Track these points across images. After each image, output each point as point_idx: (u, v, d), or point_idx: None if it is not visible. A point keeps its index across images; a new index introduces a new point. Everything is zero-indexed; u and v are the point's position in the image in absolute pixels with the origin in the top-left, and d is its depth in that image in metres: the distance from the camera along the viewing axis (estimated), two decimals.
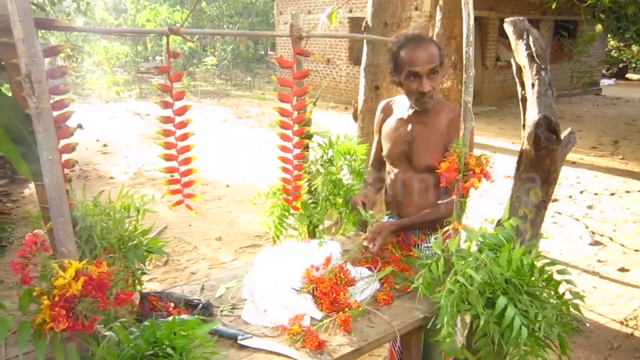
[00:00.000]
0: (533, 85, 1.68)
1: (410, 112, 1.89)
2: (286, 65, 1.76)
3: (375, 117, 2.08)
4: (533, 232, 1.69)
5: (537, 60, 1.69)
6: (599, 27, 8.10)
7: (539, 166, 1.63)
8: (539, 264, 1.39)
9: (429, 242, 1.95)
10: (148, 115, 10.74)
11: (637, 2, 7.83)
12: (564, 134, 1.70)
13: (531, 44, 1.72)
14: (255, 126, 9.97)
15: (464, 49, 1.27)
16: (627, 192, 5.87)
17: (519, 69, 1.77)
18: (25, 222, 4.89)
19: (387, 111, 2.02)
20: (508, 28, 1.78)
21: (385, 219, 2.00)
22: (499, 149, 7.79)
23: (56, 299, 0.89)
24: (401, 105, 1.96)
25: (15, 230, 4.63)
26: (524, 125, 1.67)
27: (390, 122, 1.97)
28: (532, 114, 1.62)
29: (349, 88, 12.88)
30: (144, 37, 15.72)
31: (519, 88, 1.76)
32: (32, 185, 6.09)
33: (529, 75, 1.71)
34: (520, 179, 1.69)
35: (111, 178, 6.45)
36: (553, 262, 1.35)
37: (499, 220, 1.59)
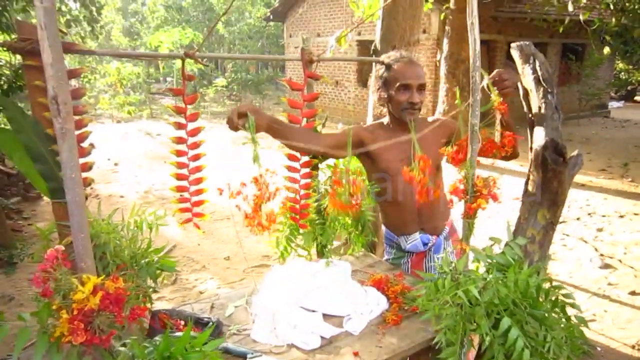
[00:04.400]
0: (540, 108, 1.71)
1: (397, 128, 1.95)
2: (297, 88, 1.80)
3: (355, 133, 1.97)
4: (541, 254, 1.69)
5: (544, 84, 1.72)
6: (606, 50, 8.15)
7: (547, 188, 1.64)
8: (545, 285, 1.39)
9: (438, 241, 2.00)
10: (159, 135, 10.88)
11: None
12: (570, 156, 1.72)
13: (537, 68, 1.75)
14: (264, 147, 10.02)
15: (471, 73, 1.31)
16: (636, 214, 5.83)
17: (526, 93, 1.80)
18: (36, 240, 4.95)
19: (372, 134, 1.99)
20: (515, 53, 1.82)
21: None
22: (506, 171, 7.78)
23: (75, 312, 0.92)
24: (383, 126, 2.01)
25: (26, 248, 4.68)
26: (531, 148, 1.69)
27: (382, 139, 1.95)
28: (539, 137, 1.65)
29: (357, 110, 12.98)
30: (157, 59, 16.01)
31: (526, 111, 1.79)
32: (43, 203, 6.17)
33: (535, 99, 1.74)
34: (528, 200, 1.71)
35: (121, 197, 6.52)
36: (558, 287, 1.36)
37: (506, 241, 1.60)
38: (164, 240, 4.49)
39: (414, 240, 2.00)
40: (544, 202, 1.67)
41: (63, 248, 1.00)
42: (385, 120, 2.01)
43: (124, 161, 8.42)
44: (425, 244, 2.01)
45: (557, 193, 1.66)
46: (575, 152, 1.77)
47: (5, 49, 1.43)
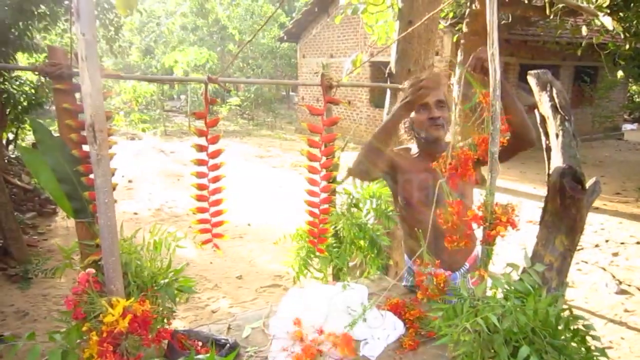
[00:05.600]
0: (557, 135, 1.72)
1: (424, 156, 1.95)
2: (317, 113, 1.83)
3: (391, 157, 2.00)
4: (559, 281, 1.69)
5: (561, 112, 1.74)
6: (620, 73, 8.14)
7: (565, 215, 1.64)
8: (565, 314, 1.39)
9: (453, 277, 1.96)
10: (172, 153, 10.99)
11: None
12: (589, 183, 1.72)
13: (555, 95, 1.77)
14: (277, 165, 10.11)
15: (490, 102, 1.33)
16: None
17: (543, 120, 1.81)
18: (51, 255, 5.00)
19: (401, 158, 2.02)
20: (532, 80, 1.84)
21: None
22: (520, 193, 7.74)
23: (104, 335, 0.94)
24: (411, 154, 2.03)
25: (41, 263, 4.72)
26: (548, 175, 1.70)
27: (408, 165, 1.98)
28: (557, 164, 1.66)
29: (369, 130, 13.03)
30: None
31: (542, 138, 1.81)
32: (58, 218, 6.24)
33: (553, 126, 1.75)
34: (546, 227, 1.71)
35: (135, 214, 6.58)
36: (578, 317, 1.35)
37: (523, 268, 1.60)
38: (177, 258, 4.49)
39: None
40: (562, 229, 1.67)
41: (94, 271, 1.03)
42: (414, 148, 2.03)
43: (137, 178, 8.51)
44: None
45: (575, 220, 1.66)
46: (593, 179, 1.77)
47: (36, 73, 1.48)
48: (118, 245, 1.07)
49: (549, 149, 1.76)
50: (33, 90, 6.28)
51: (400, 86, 1.94)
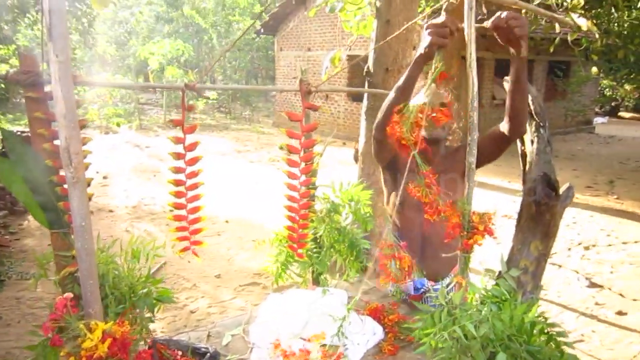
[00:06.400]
0: (532, 142, 1.76)
1: (421, 158, 1.91)
2: (295, 119, 1.82)
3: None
4: (534, 284, 1.73)
5: (536, 118, 1.77)
6: (594, 69, 8.33)
7: (539, 220, 1.68)
8: (539, 320, 1.42)
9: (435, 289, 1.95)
10: (148, 148, 10.83)
11: (626, 47, 8.11)
12: (562, 189, 1.76)
13: (530, 102, 1.80)
14: (254, 160, 10.04)
15: (469, 113, 1.34)
16: (622, 233, 5.92)
17: None
18: (24, 256, 4.88)
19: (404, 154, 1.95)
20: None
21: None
22: (495, 187, 7.87)
23: None
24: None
25: (14, 265, 4.60)
26: (524, 181, 1.73)
27: (405, 161, 1.92)
28: (532, 171, 1.69)
29: (347, 123, 13.05)
30: (146, 70, 15.97)
31: (518, 144, 1.84)
32: (31, 217, 6.09)
33: (528, 132, 1.78)
34: (521, 231, 1.74)
35: (110, 211, 6.47)
36: (552, 325, 1.38)
37: (499, 272, 1.63)
38: (165, 261, 4.44)
39: (407, 282, 1.85)
40: (537, 235, 1.71)
41: (72, 295, 1.01)
42: None
43: (112, 174, 8.36)
44: (417, 289, 1.90)
45: (549, 225, 1.70)
46: (566, 185, 1.81)
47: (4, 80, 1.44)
48: (96, 268, 1.05)
49: (524, 155, 1.79)
50: (2, 85, 6.11)
51: (378, 91, 1.93)
